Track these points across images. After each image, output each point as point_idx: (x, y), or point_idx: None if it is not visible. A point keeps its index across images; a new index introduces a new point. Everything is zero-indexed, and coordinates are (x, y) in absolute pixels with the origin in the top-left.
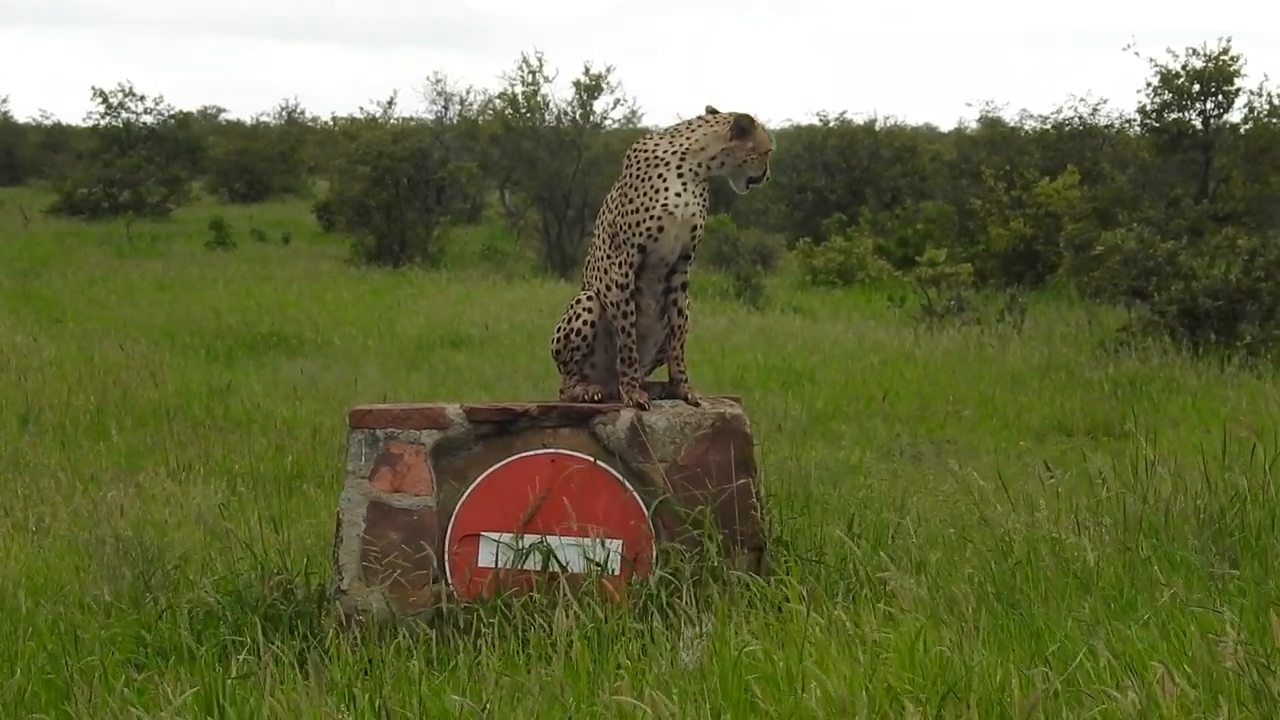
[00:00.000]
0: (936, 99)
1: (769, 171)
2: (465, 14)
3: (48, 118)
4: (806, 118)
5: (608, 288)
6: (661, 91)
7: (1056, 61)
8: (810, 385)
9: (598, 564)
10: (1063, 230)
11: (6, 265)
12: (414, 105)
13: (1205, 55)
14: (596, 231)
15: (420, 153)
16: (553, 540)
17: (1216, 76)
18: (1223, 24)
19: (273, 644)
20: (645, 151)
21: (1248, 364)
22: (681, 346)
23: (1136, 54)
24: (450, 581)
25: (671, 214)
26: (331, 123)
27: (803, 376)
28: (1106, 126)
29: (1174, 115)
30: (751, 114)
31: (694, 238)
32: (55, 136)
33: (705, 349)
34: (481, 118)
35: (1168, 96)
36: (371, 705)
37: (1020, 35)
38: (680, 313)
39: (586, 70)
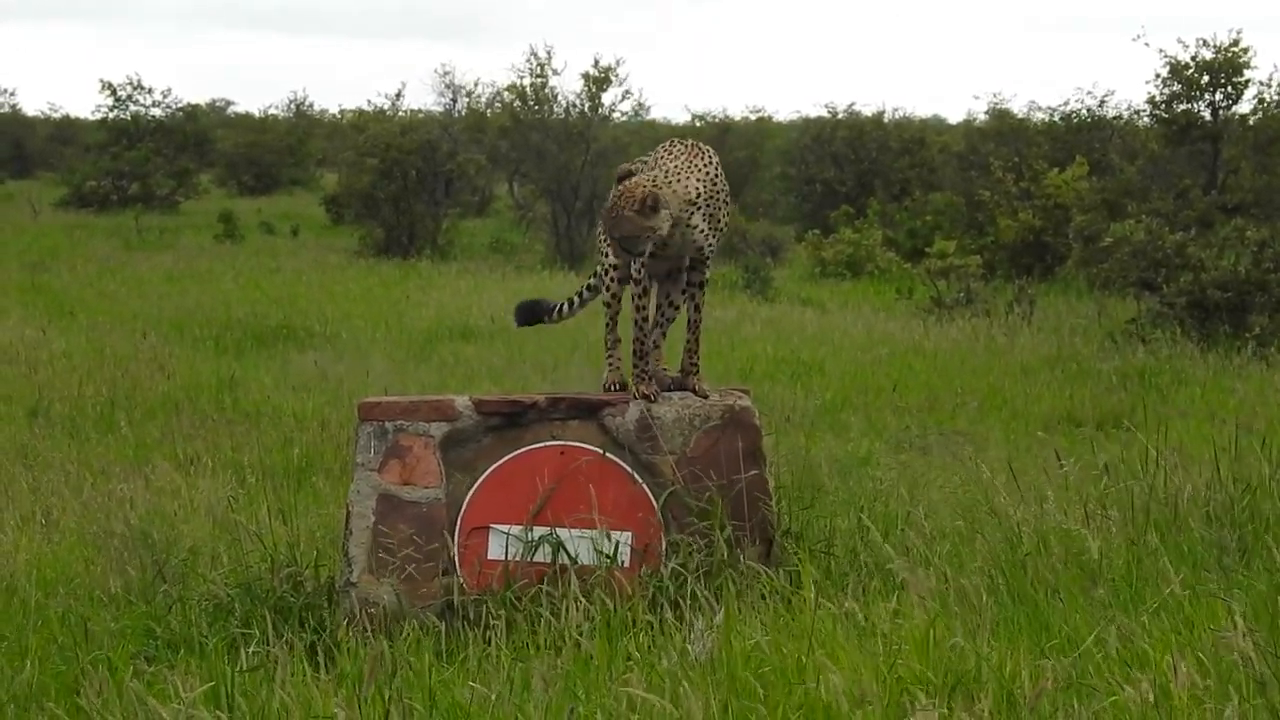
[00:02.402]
0: (945, 91)
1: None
2: (470, 5)
3: (56, 110)
4: (815, 109)
5: (616, 280)
6: (667, 82)
7: (1065, 52)
8: (819, 377)
9: (607, 556)
10: (1071, 222)
11: (16, 258)
12: (422, 98)
13: (1215, 46)
14: None
15: (428, 145)
16: (562, 532)
17: (1226, 67)
18: (1234, 11)
19: (282, 636)
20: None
21: (1257, 355)
22: (696, 340)
23: (1146, 45)
24: (460, 574)
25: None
26: (339, 115)
27: (811, 368)
28: (1115, 118)
29: (1183, 106)
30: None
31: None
32: (64, 129)
33: (714, 341)
34: (490, 110)
35: (1177, 87)
36: (381, 697)
37: (1029, 26)
38: (696, 308)
39: (595, 63)
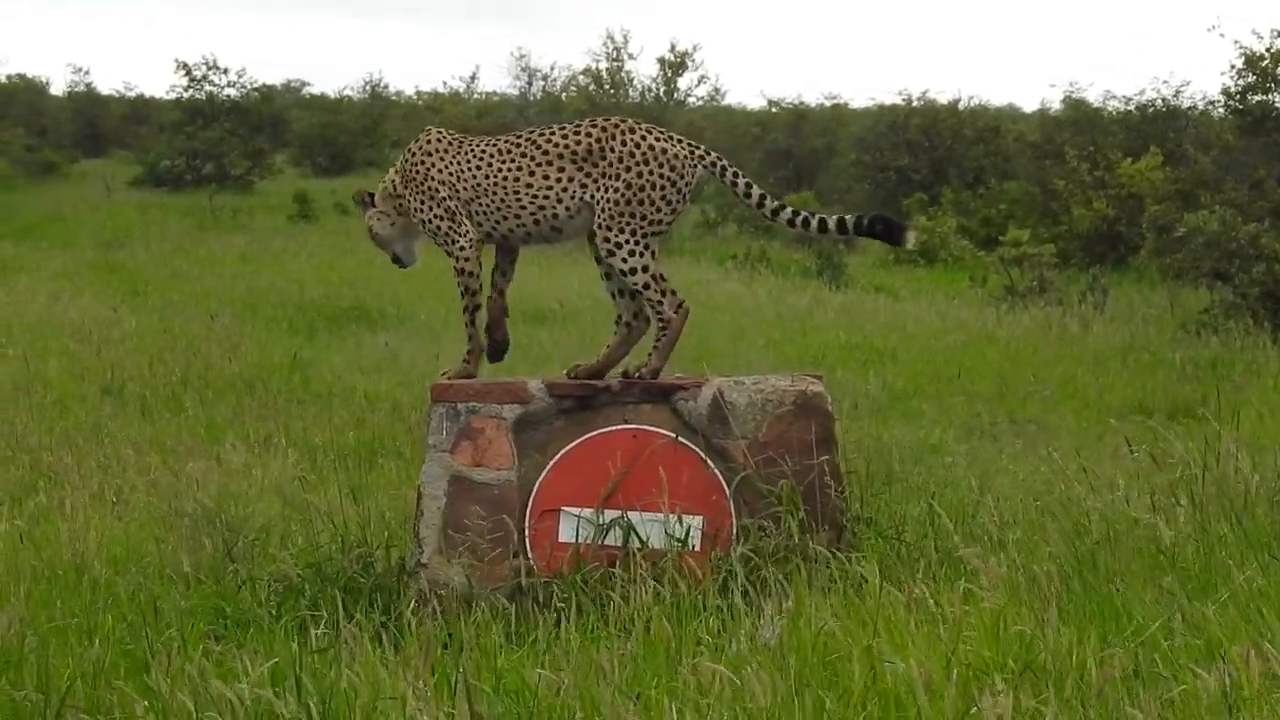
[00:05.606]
0: (1020, 79)
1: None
2: None
3: (131, 89)
4: (890, 96)
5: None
6: (743, 67)
7: (1141, 42)
8: (891, 364)
9: (678, 540)
10: (1145, 212)
11: (90, 236)
12: (497, 80)
13: None
14: None
15: (503, 128)
16: (633, 516)
17: None
18: None
19: (352, 617)
20: None
21: None
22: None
23: (1221, 35)
24: (530, 556)
25: None
26: (415, 97)
27: (884, 355)
28: (1190, 108)
29: (1258, 97)
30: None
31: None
32: (138, 108)
33: (787, 327)
34: (565, 94)
35: (1252, 78)
36: (449, 679)
37: (1107, 14)
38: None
39: (672, 47)
